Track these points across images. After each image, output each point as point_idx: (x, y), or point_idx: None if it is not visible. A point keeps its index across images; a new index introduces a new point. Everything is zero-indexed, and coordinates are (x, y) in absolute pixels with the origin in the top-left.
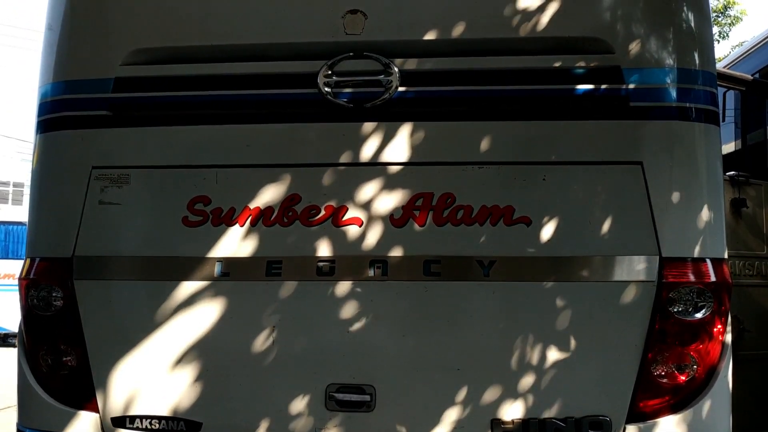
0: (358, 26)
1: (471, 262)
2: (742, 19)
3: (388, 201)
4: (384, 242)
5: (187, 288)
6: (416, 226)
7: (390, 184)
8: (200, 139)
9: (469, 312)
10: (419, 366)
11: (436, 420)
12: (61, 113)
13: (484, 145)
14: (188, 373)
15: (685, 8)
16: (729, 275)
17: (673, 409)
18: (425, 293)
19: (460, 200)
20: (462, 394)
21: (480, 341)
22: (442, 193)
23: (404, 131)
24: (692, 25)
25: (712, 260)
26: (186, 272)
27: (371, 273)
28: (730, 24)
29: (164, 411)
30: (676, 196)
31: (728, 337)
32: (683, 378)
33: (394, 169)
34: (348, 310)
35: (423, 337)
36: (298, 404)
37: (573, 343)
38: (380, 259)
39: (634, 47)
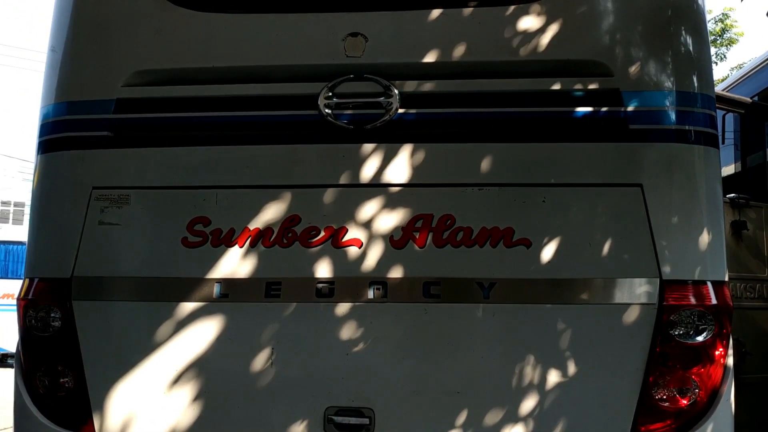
0: (359, 49)
1: (471, 284)
2: (738, 41)
3: (388, 222)
4: (384, 264)
5: (185, 309)
6: (416, 248)
7: (390, 205)
8: (200, 160)
9: (469, 334)
10: (419, 389)
11: None
12: (62, 134)
13: (484, 166)
14: (186, 395)
15: (683, 32)
16: (730, 298)
17: None
18: (425, 315)
19: (459, 222)
20: (462, 418)
21: (480, 364)
22: (442, 214)
23: (404, 152)
24: (690, 48)
25: (713, 283)
26: (185, 293)
27: (371, 295)
28: (727, 45)
29: None
30: (676, 219)
31: (730, 360)
32: (685, 402)
33: (394, 190)
34: (347, 331)
35: (423, 360)
36: (297, 427)
37: (573, 366)
38: (380, 281)
39: (634, 70)
